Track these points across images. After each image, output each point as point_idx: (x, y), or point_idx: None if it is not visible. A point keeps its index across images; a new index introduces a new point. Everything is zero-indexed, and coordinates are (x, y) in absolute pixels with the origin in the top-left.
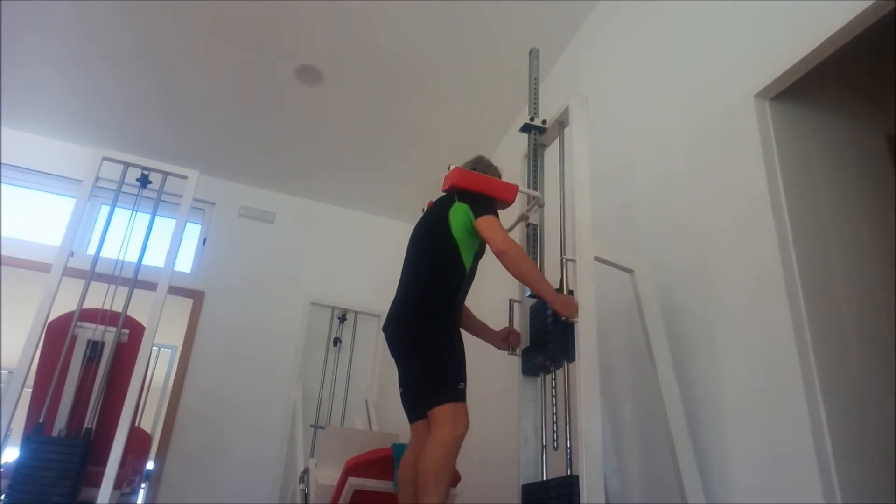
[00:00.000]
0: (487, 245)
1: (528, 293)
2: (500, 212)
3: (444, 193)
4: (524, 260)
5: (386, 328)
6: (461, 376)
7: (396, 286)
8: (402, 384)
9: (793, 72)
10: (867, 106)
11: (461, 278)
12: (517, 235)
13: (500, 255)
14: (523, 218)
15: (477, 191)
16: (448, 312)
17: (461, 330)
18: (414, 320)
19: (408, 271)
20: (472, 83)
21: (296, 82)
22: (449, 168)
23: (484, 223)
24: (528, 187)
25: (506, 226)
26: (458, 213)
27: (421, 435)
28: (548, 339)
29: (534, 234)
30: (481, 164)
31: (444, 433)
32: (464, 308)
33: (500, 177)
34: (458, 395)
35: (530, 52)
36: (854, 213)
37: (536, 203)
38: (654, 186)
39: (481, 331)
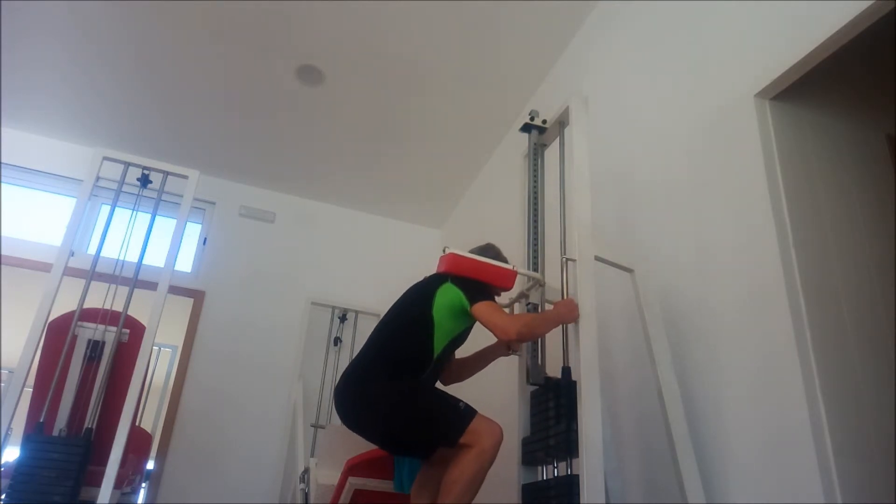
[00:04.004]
0: (490, 332)
1: (529, 381)
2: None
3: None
4: (532, 329)
5: (336, 392)
6: (454, 399)
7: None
8: (387, 448)
9: (793, 72)
10: (867, 106)
11: (426, 363)
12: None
13: (515, 343)
14: (523, 296)
15: (473, 277)
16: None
17: (457, 384)
18: (365, 386)
19: (371, 338)
20: (473, 83)
21: (296, 82)
22: (444, 251)
23: (482, 311)
24: (528, 187)
25: (505, 301)
26: (447, 293)
27: (441, 457)
28: (549, 435)
29: (534, 313)
30: (489, 253)
31: (482, 446)
32: (455, 362)
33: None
34: (469, 413)
35: (530, 114)
36: (854, 213)
37: (537, 283)
38: (654, 186)
39: (481, 359)
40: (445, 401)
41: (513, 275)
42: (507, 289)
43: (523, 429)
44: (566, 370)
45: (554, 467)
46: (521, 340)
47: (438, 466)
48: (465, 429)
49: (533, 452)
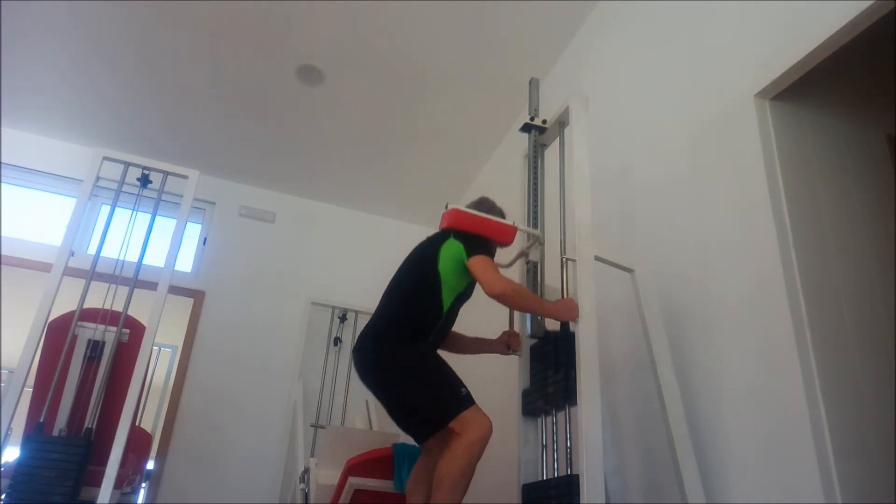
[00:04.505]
0: (480, 287)
1: (528, 333)
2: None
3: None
4: (520, 295)
5: (354, 353)
6: (458, 383)
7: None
8: (392, 415)
9: (793, 72)
10: (867, 106)
11: (436, 318)
12: (517, 272)
13: (498, 298)
14: (523, 255)
15: (473, 231)
16: (415, 343)
17: (456, 353)
18: (379, 351)
19: (384, 299)
20: (473, 83)
21: (296, 82)
22: (446, 207)
23: (476, 264)
24: (528, 187)
25: (506, 261)
26: (450, 249)
27: (433, 450)
28: (548, 384)
29: (534, 271)
30: (484, 206)
31: (469, 437)
32: (452, 334)
33: (503, 218)
34: (467, 402)
35: (530, 82)
36: (854, 213)
37: (537, 241)
38: (654, 186)
39: (480, 346)
40: (449, 382)
41: (513, 230)
42: (508, 243)
43: (524, 381)
44: (565, 323)
45: (553, 418)
46: (501, 300)
47: (431, 459)
48: (457, 414)
49: (532, 403)
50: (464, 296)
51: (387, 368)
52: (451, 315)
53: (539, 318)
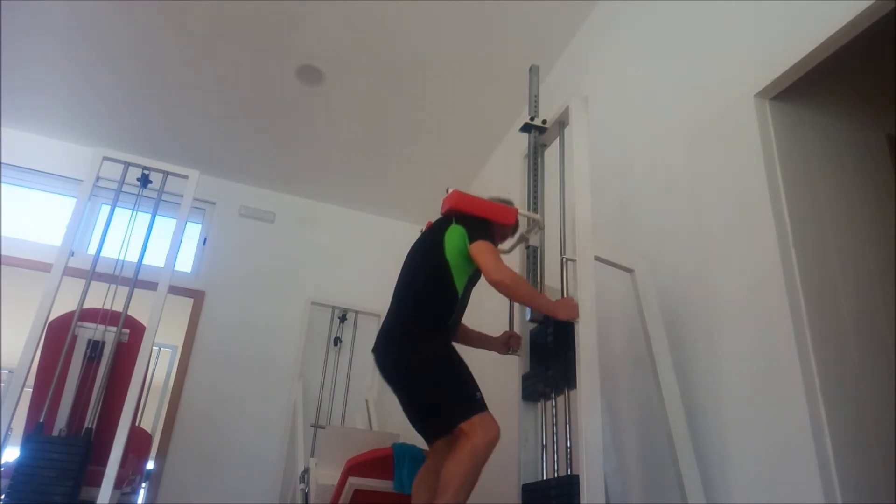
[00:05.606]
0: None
1: (528, 317)
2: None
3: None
4: (520, 286)
5: (375, 351)
6: (474, 386)
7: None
8: (407, 411)
9: (793, 72)
10: (867, 106)
11: (452, 303)
12: (516, 257)
13: (496, 286)
14: (523, 239)
15: (475, 214)
16: (437, 335)
17: (460, 343)
18: (402, 345)
19: (398, 294)
20: (473, 83)
21: (296, 82)
22: (447, 191)
23: (478, 249)
24: (528, 187)
25: (506, 247)
26: (454, 237)
27: (440, 453)
28: (548, 367)
29: (533, 256)
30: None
31: (475, 441)
32: (459, 325)
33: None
34: (480, 406)
35: (530, 69)
36: (854, 213)
37: (536, 226)
38: (654, 186)
39: (481, 341)
40: (466, 383)
41: (513, 212)
42: (509, 224)
43: (524, 366)
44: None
45: (552, 402)
46: (499, 288)
47: (438, 462)
48: (469, 417)
49: (532, 386)
50: (474, 278)
51: (408, 367)
52: (465, 299)
53: None
